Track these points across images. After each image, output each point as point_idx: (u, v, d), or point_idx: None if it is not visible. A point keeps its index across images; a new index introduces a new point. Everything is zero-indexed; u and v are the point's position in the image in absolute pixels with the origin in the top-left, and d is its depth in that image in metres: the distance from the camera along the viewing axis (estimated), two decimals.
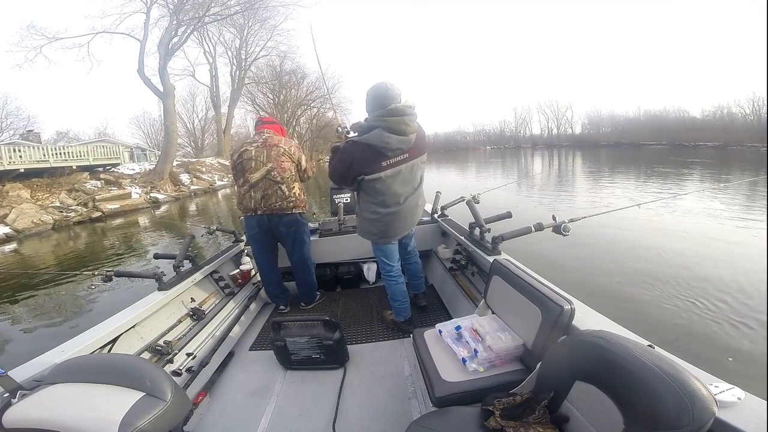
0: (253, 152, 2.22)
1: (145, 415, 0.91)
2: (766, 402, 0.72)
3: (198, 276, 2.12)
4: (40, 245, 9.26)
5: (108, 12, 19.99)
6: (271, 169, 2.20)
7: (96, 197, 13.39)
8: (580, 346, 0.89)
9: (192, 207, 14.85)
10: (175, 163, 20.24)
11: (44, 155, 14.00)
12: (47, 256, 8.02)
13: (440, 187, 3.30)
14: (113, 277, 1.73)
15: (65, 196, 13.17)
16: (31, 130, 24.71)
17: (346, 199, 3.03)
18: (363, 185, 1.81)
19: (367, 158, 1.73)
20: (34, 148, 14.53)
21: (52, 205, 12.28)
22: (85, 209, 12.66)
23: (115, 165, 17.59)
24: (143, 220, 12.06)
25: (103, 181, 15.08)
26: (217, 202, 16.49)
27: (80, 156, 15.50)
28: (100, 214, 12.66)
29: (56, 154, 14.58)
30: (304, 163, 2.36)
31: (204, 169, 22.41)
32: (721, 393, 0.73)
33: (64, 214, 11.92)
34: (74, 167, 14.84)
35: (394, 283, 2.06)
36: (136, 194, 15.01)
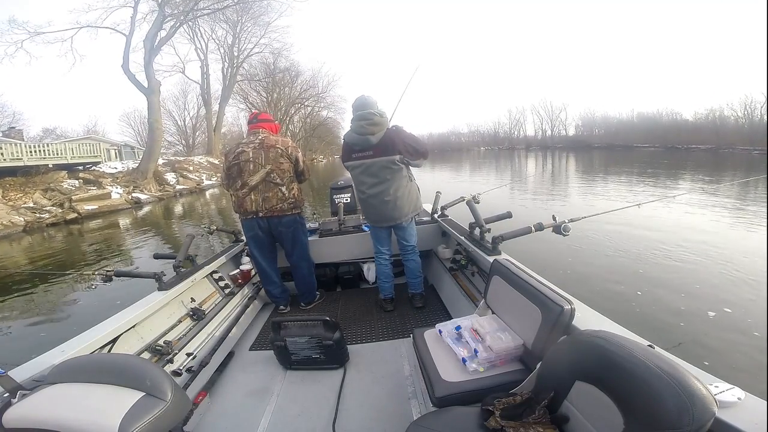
0: (251, 153, 2.20)
1: (145, 415, 0.91)
2: (766, 402, 0.73)
3: (198, 276, 2.11)
4: (10, 248, 8.84)
5: (94, 6, 19.27)
6: (271, 171, 2.20)
7: (72, 197, 12.72)
8: (580, 346, 0.90)
9: (178, 208, 14.26)
10: (161, 162, 19.73)
11: (17, 152, 13.32)
12: (19, 260, 7.69)
13: (436, 186, 3.30)
14: (113, 277, 1.71)
15: (40, 196, 12.55)
16: (14, 127, 23.92)
17: (346, 199, 3.02)
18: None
19: (345, 150, 2.20)
20: (11, 144, 13.87)
21: (25, 205, 11.70)
22: (60, 210, 12.03)
23: (95, 163, 16.98)
24: (123, 222, 11.45)
25: (81, 181, 14.45)
26: (205, 202, 15.92)
27: (58, 154, 14.84)
28: (76, 215, 11.93)
29: (32, 151, 13.88)
30: (301, 163, 2.34)
31: (191, 168, 21.87)
32: (721, 393, 0.73)
33: (37, 215, 11.34)
34: (50, 165, 14.21)
35: (378, 263, 2.39)
36: (117, 194, 14.35)
